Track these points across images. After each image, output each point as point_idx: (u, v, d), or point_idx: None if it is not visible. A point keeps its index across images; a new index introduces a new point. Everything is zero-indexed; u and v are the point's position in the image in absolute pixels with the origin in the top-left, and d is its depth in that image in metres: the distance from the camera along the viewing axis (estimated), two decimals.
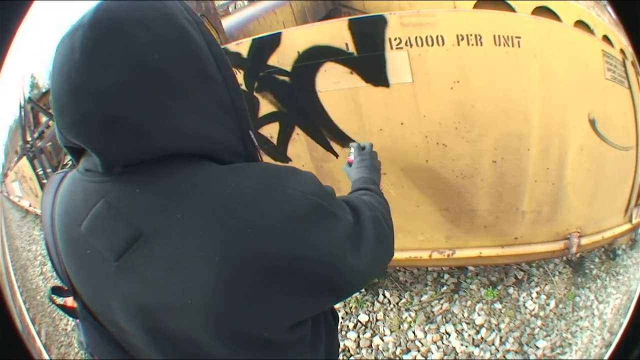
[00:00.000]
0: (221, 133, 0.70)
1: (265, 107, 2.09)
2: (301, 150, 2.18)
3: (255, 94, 2.07)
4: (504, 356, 2.32)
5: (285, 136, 2.16)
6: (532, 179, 2.02)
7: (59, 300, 0.82)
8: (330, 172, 2.22)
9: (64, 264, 0.73)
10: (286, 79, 1.98)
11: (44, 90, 4.02)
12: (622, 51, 2.08)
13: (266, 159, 2.27)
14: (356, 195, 1.05)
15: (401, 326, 2.60)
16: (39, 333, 3.57)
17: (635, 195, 2.28)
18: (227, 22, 3.11)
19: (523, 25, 1.79)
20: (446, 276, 2.79)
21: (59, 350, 3.35)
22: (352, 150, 1.51)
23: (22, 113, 3.90)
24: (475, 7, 3.20)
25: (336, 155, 2.14)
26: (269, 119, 2.13)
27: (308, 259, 0.65)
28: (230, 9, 4.15)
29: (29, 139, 3.99)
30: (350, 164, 1.46)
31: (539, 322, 2.40)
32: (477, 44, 1.78)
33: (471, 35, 1.77)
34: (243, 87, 2.06)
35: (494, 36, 1.77)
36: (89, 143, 0.62)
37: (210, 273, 0.59)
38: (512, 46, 1.78)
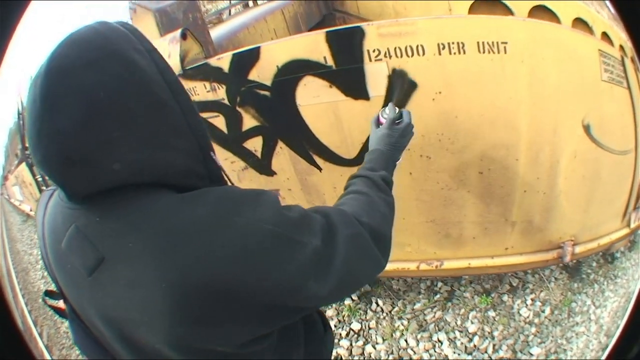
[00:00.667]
0: (177, 159, 0.71)
1: (249, 121, 2.05)
2: (285, 164, 2.14)
3: (237, 108, 2.02)
4: None
5: (268, 150, 2.12)
6: (522, 189, 1.94)
7: (53, 302, 0.88)
8: (315, 186, 2.18)
9: (54, 272, 0.81)
10: (267, 93, 1.93)
11: None
12: (621, 47, 1.97)
13: (251, 172, 2.23)
14: (341, 204, 0.99)
15: (393, 334, 2.57)
16: (40, 335, 3.66)
17: (634, 198, 2.17)
18: (216, 32, 3.04)
19: (510, 29, 1.70)
20: (439, 284, 2.74)
21: (61, 352, 3.44)
22: (387, 112, 1.32)
23: (20, 119, 3.94)
24: (471, 8, 3.06)
25: (319, 169, 2.09)
26: (252, 133, 2.09)
27: (259, 289, 0.66)
28: (224, 15, 4.05)
29: (27, 144, 4.01)
30: (378, 125, 1.32)
31: (533, 329, 2.35)
32: (459, 52, 1.70)
33: (453, 43, 1.68)
34: (226, 101, 2.01)
35: (478, 43, 1.68)
36: (53, 179, 0.68)
37: (159, 296, 0.63)
38: (498, 52, 1.69)
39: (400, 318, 2.62)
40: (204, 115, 2.13)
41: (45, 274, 4.14)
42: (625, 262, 2.53)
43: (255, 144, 2.12)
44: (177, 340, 0.66)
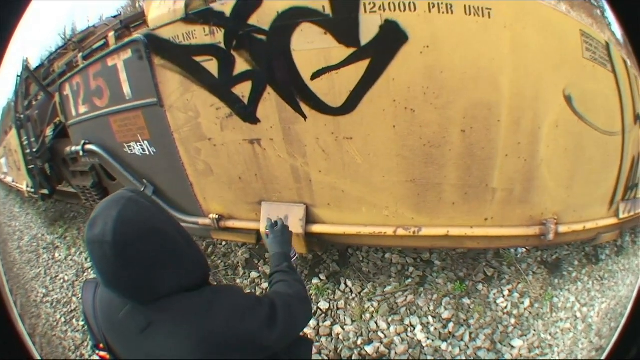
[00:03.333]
0: (193, 280, 1.48)
1: (241, 65, 2.52)
2: (270, 111, 2.59)
3: (232, 52, 2.50)
4: (475, 353, 2.59)
5: (256, 95, 2.57)
6: (503, 152, 2.36)
7: (99, 352, 1.66)
8: (298, 135, 2.62)
9: (104, 334, 1.59)
10: (263, 37, 2.40)
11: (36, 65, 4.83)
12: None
13: (235, 120, 2.71)
14: (273, 290, 1.85)
15: (363, 316, 2.90)
16: (15, 303, 4.04)
17: (622, 187, 2.59)
18: None
19: None
20: (411, 269, 3.10)
21: (30, 321, 3.86)
22: (267, 225, 2.26)
23: (19, 81, 4.71)
24: None
25: (305, 117, 2.53)
26: (243, 77, 2.55)
27: (247, 336, 1.43)
28: None
29: (20, 110, 4.72)
30: (267, 235, 2.24)
31: (512, 320, 2.66)
32: (447, 12, 2.19)
33: (442, 3, 2.18)
34: (222, 45, 2.51)
35: (465, 6, 2.17)
36: (121, 294, 1.39)
37: (190, 344, 1.35)
38: (483, 16, 2.17)
39: (370, 300, 2.95)
40: (198, 59, 2.62)
41: (22, 244, 4.91)
42: (612, 265, 2.89)
43: (243, 89, 2.58)
44: None
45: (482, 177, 2.44)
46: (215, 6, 2.50)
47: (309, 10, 2.32)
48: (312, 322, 2.91)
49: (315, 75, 2.44)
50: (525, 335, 2.62)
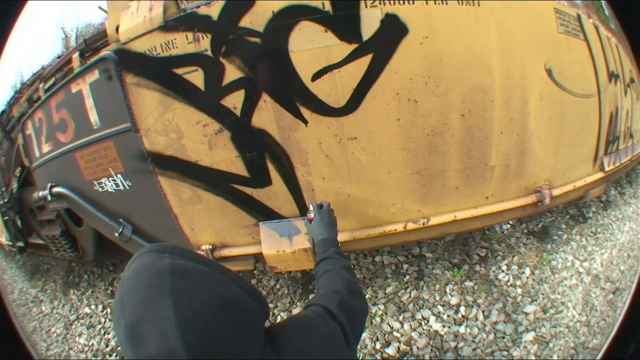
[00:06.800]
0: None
1: (232, 73, 2.71)
2: (267, 120, 2.81)
3: (221, 59, 2.68)
4: (494, 328, 2.96)
5: (250, 105, 2.77)
6: (498, 130, 2.89)
7: None
8: (298, 143, 2.86)
9: None
10: (257, 40, 2.62)
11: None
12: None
13: (226, 135, 2.81)
14: (320, 287, 1.88)
15: (373, 320, 3.27)
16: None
17: (603, 142, 3.29)
18: None
19: None
20: (405, 266, 3.56)
21: None
22: (312, 208, 2.44)
23: None
24: None
25: (305, 122, 2.77)
26: (234, 86, 2.74)
27: None
28: None
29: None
30: (310, 221, 2.38)
31: (519, 290, 3.19)
32: (442, 3, 2.60)
33: None
34: (209, 52, 2.65)
35: None
36: None
37: None
38: (473, 5, 2.63)
39: (375, 304, 3.33)
40: (180, 71, 2.71)
41: None
42: (602, 219, 3.61)
43: (235, 100, 2.76)
44: None
45: (481, 158, 2.93)
46: (201, 10, 2.61)
47: (308, 7, 2.57)
48: None
49: (316, 76, 2.70)
50: (535, 300, 3.17)
